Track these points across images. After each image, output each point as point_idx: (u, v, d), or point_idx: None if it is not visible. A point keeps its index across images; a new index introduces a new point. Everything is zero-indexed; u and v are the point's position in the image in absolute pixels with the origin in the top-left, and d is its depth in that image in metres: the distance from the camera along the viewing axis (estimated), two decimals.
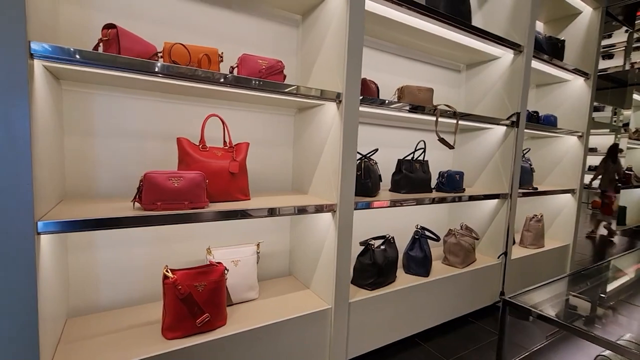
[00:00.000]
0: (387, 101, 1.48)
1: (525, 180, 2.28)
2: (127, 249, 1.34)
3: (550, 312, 0.82)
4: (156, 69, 0.99)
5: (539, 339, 1.56)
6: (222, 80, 1.10)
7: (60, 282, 1.12)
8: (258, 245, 1.48)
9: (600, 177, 3.22)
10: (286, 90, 1.23)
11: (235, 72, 1.27)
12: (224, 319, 1.23)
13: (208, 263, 1.24)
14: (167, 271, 1.11)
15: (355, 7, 1.28)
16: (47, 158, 0.95)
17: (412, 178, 1.76)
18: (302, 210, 1.30)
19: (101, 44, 0.99)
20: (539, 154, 2.83)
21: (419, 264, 1.77)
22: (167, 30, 1.33)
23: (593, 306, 1.11)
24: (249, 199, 1.35)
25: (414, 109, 1.58)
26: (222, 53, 1.20)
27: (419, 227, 1.85)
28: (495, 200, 2.09)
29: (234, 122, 1.53)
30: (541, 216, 2.50)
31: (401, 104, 1.54)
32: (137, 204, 1.09)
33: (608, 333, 0.82)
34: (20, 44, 0.77)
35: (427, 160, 1.87)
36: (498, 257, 2.06)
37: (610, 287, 1.32)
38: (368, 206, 1.48)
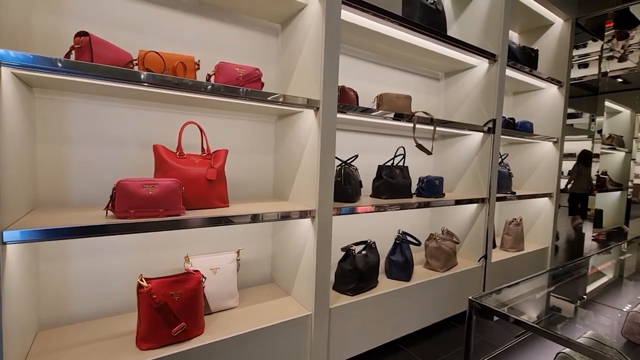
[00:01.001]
0: (367, 109, 1.51)
1: (504, 184, 2.33)
2: (103, 258, 1.31)
3: (517, 312, 0.84)
4: (132, 78, 0.99)
5: (509, 337, 1.59)
6: (205, 88, 1.10)
7: (29, 294, 1.09)
8: (238, 252, 1.48)
9: (572, 182, 3.34)
10: (265, 98, 1.24)
11: (212, 79, 1.27)
12: (201, 328, 1.21)
13: (184, 271, 1.22)
14: (141, 280, 1.10)
15: (330, 17, 1.31)
16: (15, 166, 0.93)
17: (392, 184, 1.79)
18: (285, 217, 1.30)
19: (73, 52, 0.98)
20: (517, 159, 2.91)
21: (401, 268, 1.79)
22: (145, 39, 1.34)
23: (560, 305, 1.14)
24: (228, 206, 1.34)
25: (395, 116, 1.62)
26: (198, 61, 1.21)
27: (400, 232, 1.87)
28: (475, 205, 2.13)
29: (215, 129, 1.53)
30: (520, 220, 2.56)
31: (380, 111, 1.58)
32: (109, 212, 1.07)
33: (570, 331, 0.84)
34: None
35: (407, 166, 1.91)
36: (478, 261, 2.10)
37: (578, 286, 1.36)
38: (351, 211, 1.49)
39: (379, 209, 1.58)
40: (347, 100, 1.60)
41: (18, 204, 0.96)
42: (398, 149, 1.91)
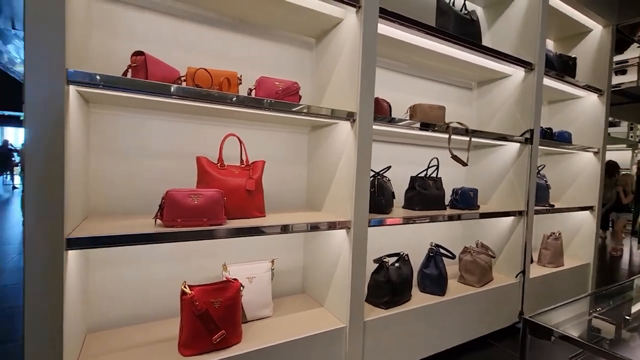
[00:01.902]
0: (399, 119, 1.51)
1: (541, 197, 2.24)
2: (145, 265, 1.37)
3: (573, 332, 0.80)
4: (180, 92, 1.04)
5: (559, 358, 1.50)
6: (240, 101, 1.15)
7: (81, 298, 1.15)
8: (272, 262, 1.50)
9: None
10: (303, 110, 1.27)
11: (253, 93, 1.32)
12: (239, 337, 1.23)
13: (224, 279, 1.25)
14: (185, 287, 1.13)
15: (367, 30, 1.33)
16: (75, 177, 1.00)
17: (425, 195, 1.76)
18: (314, 227, 1.31)
19: (130, 70, 1.05)
20: (555, 170, 2.79)
21: (435, 282, 1.74)
22: (189, 56, 1.41)
23: (617, 327, 1.07)
24: (265, 216, 1.37)
25: (426, 126, 1.60)
26: (240, 76, 1.26)
27: (433, 244, 1.83)
28: (511, 218, 2.06)
29: (250, 140, 1.57)
30: (559, 234, 2.44)
31: (412, 121, 1.57)
32: (158, 221, 1.12)
33: (634, 355, 0.78)
34: (60, 72, 0.84)
35: (440, 177, 1.87)
36: (516, 276, 2.01)
37: (634, 307, 1.27)
38: (381, 223, 1.48)
39: (409, 221, 1.56)
40: (380, 111, 1.60)
41: (76, 213, 1.03)
42: (431, 160, 1.89)
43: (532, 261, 2.38)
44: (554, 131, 2.38)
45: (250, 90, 1.32)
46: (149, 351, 1.15)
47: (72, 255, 0.98)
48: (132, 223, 1.12)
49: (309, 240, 1.71)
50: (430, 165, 1.86)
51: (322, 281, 1.59)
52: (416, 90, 2.09)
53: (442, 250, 1.82)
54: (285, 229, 1.25)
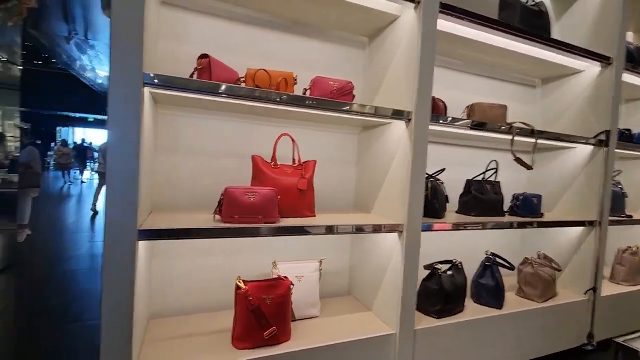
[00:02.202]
0: (457, 119, 1.43)
1: (616, 206, 2.00)
2: (202, 258, 1.43)
3: None
4: (247, 94, 1.07)
5: None
6: (300, 101, 1.16)
7: (146, 286, 1.23)
8: (321, 262, 1.49)
9: None
10: (361, 110, 1.26)
11: (308, 93, 1.33)
12: (288, 334, 1.24)
13: (275, 277, 1.27)
14: (240, 282, 1.17)
15: (427, 27, 1.28)
16: (145, 173, 1.07)
17: (482, 200, 1.66)
18: (360, 230, 1.29)
19: (196, 72, 1.11)
20: (632, 177, 2.48)
21: (491, 293, 1.63)
22: (246, 57, 1.45)
23: None
24: (315, 216, 1.37)
25: (485, 127, 1.50)
26: (296, 76, 1.27)
27: (489, 253, 1.72)
28: (580, 228, 1.86)
29: (301, 141, 1.58)
30: (637, 248, 2.16)
31: (471, 121, 1.48)
32: (217, 217, 1.17)
33: None
34: (137, 75, 0.90)
35: (499, 182, 1.75)
36: (585, 293, 1.82)
37: None
38: (430, 228, 1.41)
39: (460, 227, 1.48)
40: (436, 111, 1.53)
41: (145, 208, 1.10)
42: (490, 163, 1.77)
43: (603, 278, 2.14)
44: (633, 132, 2.11)
45: (306, 90, 1.33)
46: (205, 341, 1.20)
47: (142, 246, 1.06)
48: (194, 218, 1.18)
49: (357, 242, 1.68)
50: (489, 169, 1.74)
51: (370, 285, 1.55)
52: (472, 89, 1.98)
53: (499, 260, 1.70)
54: (330, 229, 1.24)
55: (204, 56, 1.10)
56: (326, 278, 1.67)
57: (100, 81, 11.42)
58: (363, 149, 1.67)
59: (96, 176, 9.63)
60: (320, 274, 1.48)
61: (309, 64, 1.58)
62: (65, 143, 13.31)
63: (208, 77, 1.09)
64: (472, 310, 1.57)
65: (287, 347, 1.18)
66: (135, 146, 0.91)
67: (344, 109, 1.24)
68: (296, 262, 1.46)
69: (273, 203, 1.18)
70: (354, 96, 1.35)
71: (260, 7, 1.40)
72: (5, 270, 3.01)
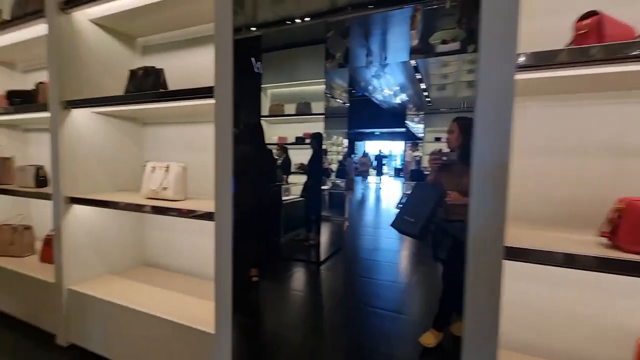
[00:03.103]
0: None
1: None
2: (566, 290, 1.08)
3: None
4: None
5: None
6: None
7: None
8: None
9: None
10: None
11: None
12: None
13: None
14: None
15: None
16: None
17: None
18: None
19: (573, 41, 0.81)
20: None
21: None
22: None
23: None
24: None
25: None
26: None
27: None
28: None
29: None
30: None
31: None
32: (603, 239, 0.81)
33: None
34: (511, 59, 0.74)
35: None
36: None
37: None
38: None
39: None
40: None
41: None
42: None
43: None
44: None
45: None
46: None
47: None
48: (555, 236, 0.88)
49: None
50: None
51: None
52: None
53: None
54: None
55: (589, 14, 0.78)
56: None
57: (382, 98, 13.50)
58: None
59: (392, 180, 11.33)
60: None
61: None
62: (365, 154, 16.95)
63: (595, 40, 0.77)
64: None
65: None
66: (506, 146, 0.74)
67: None
68: None
69: None
70: None
71: None
72: (338, 251, 3.99)
